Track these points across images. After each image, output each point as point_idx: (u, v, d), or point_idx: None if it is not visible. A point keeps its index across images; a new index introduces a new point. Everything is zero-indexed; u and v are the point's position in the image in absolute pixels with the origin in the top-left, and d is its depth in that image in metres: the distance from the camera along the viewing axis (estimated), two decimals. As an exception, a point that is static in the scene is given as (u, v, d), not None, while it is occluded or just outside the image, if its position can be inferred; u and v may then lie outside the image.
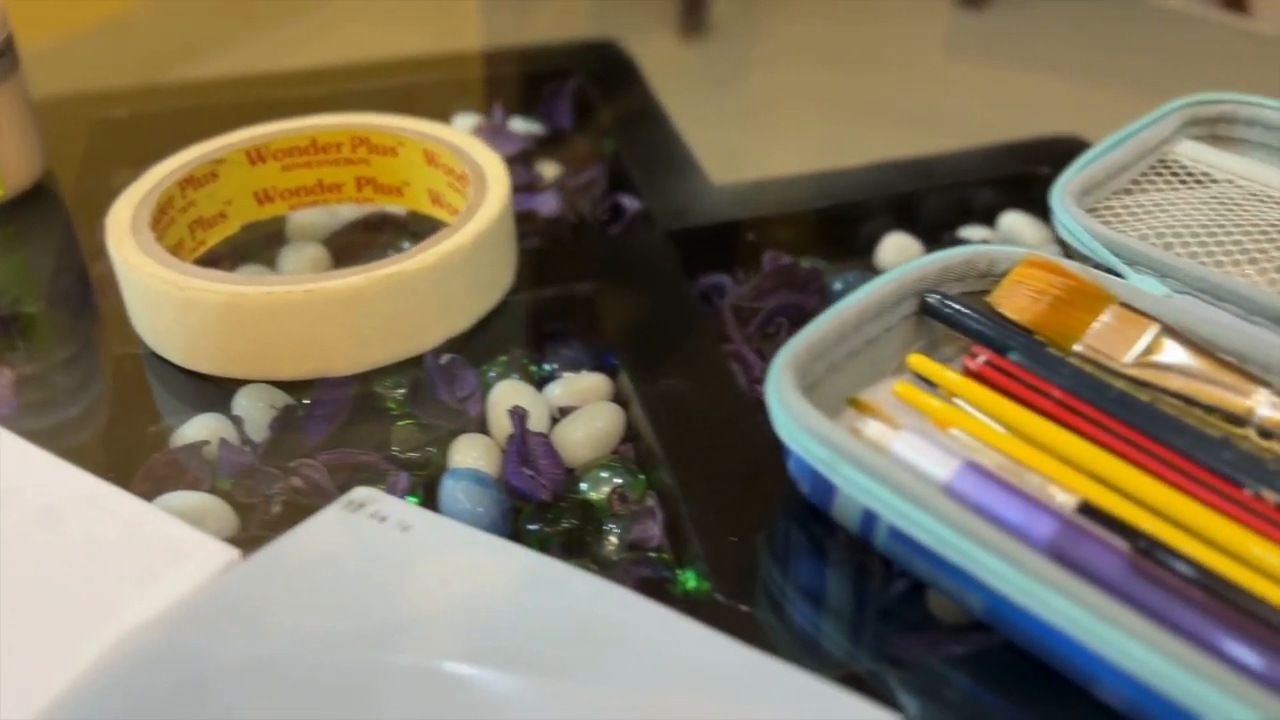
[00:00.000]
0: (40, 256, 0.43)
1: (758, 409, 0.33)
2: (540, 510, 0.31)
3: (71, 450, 0.30)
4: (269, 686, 0.23)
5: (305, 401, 0.34)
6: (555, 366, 0.36)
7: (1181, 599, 0.23)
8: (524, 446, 0.32)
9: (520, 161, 0.47)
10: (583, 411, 0.34)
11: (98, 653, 0.24)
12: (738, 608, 0.28)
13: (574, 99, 0.52)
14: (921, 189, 0.45)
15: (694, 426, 0.33)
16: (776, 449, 0.29)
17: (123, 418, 0.35)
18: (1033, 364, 0.29)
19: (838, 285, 0.40)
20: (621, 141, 0.49)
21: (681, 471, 0.31)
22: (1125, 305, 0.31)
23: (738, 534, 0.29)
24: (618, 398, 0.35)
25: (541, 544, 0.30)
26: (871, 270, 0.42)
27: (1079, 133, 0.46)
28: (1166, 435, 0.27)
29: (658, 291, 0.39)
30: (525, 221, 0.43)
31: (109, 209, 0.37)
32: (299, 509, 0.30)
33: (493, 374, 0.36)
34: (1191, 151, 0.39)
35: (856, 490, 0.25)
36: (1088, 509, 0.26)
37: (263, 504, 0.31)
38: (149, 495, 0.30)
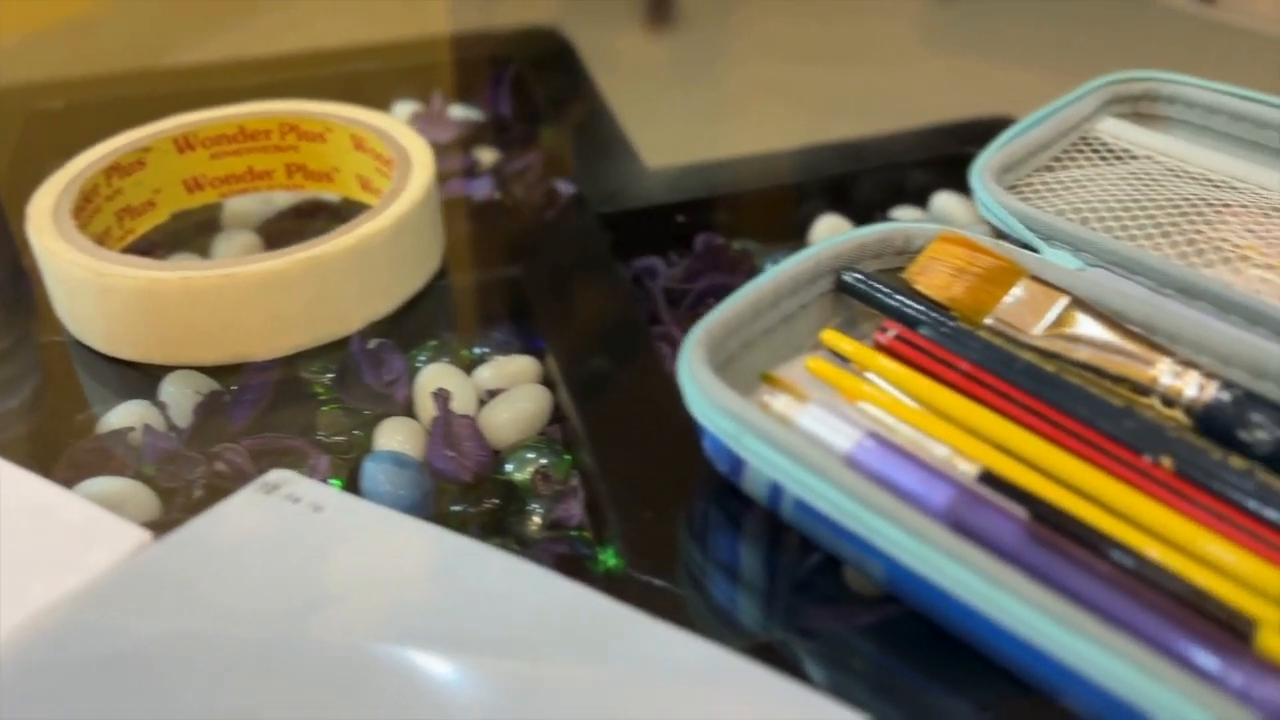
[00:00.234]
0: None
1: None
2: (464, 491, 0.32)
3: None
4: (178, 664, 0.23)
5: (233, 388, 0.34)
6: (487, 350, 0.37)
7: (1077, 564, 0.24)
8: (448, 429, 0.32)
9: (458, 148, 0.48)
10: (510, 394, 0.34)
11: (3, 634, 0.24)
12: (653, 583, 0.28)
13: (513, 86, 0.52)
14: (855, 170, 0.46)
15: (618, 407, 0.33)
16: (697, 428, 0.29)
17: (49, 406, 0.35)
18: (942, 338, 0.30)
19: (768, 266, 0.40)
20: (559, 127, 0.49)
21: (601, 451, 0.32)
22: (1036, 279, 0.31)
23: (656, 511, 0.30)
24: (547, 380, 0.35)
25: (462, 525, 0.30)
26: (804, 251, 0.42)
27: (1016, 114, 0.47)
28: (1070, 404, 0.27)
29: (589, 274, 0.40)
30: (458, 206, 0.43)
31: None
32: (221, 493, 0.30)
33: (423, 358, 0.36)
34: (1113, 129, 0.39)
35: (761, 462, 0.26)
36: (988, 477, 0.26)
37: (185, 489, 0.31)
38: (70, 482, 0.30)
